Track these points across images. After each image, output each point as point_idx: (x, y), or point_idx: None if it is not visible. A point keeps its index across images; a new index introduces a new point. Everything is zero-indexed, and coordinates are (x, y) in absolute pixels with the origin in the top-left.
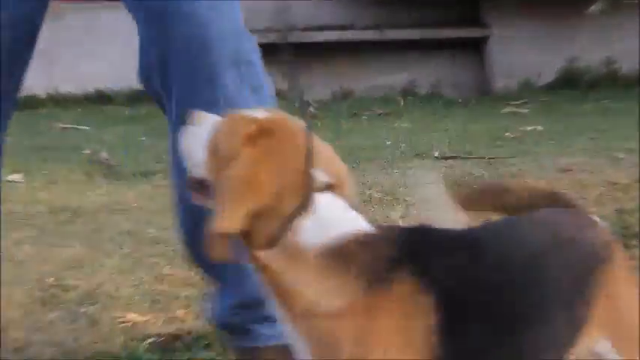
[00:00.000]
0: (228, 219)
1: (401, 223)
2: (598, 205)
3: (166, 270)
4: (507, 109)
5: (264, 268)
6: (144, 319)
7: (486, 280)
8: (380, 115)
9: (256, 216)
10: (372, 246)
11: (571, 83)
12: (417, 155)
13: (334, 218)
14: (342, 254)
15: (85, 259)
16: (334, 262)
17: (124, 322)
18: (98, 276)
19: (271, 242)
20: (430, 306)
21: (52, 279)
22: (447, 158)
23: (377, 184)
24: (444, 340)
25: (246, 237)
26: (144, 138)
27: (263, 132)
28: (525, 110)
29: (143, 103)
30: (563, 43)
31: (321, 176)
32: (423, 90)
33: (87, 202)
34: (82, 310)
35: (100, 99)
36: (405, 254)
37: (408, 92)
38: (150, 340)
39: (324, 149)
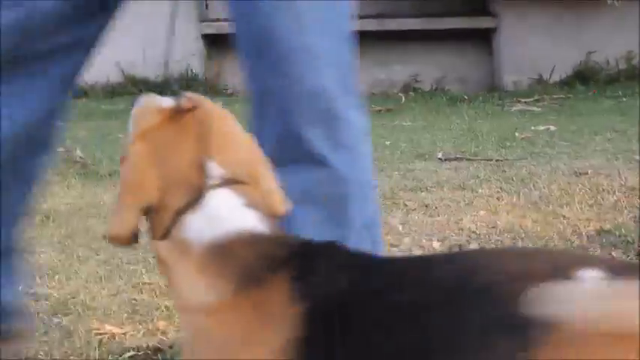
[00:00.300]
0: (118, 223)
1: (401, 229)
2: (615, 211)
3: (146, 278)
4: (518, 107)
5: (158, 259)
6: (122, 331)
7: (370, 300)
8: (379, 112)
9: (148, 211)
10: (255, 246)
11: (587, 79)
12: (419, 156)
13: (222, 215)
14: (224, 252)
15: (57, 265)
16: (214, 259)
17: (100, 334)
18: (72, 284)
19: (163, 236)
20: (298, 315)
21: (21, 287)
22: (451, 160)
23: (375, 188)
24: (307, 353)
25: (147, 228)
26: (121, 135)
27: (159, 125)
28: (537, 108)
29: (120, 97)
30: (580, 35)
31: (217, 171)
32: (426, 85)
33: (59, 204)
34: (55, 320)
35: (75, 92)
36: (292, 257)
37: (409, 88)
38: (129, 354)
39: (237, 140)
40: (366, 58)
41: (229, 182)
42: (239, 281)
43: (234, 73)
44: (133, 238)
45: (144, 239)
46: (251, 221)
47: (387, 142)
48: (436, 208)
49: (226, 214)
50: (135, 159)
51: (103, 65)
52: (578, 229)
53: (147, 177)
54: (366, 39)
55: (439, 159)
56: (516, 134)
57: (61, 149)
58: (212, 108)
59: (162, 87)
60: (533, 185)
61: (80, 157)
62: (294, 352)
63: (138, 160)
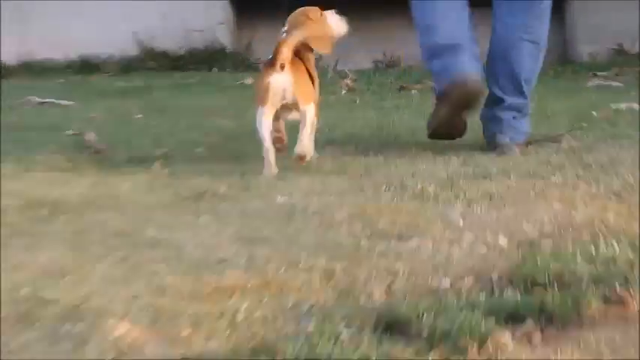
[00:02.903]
0: None
1: (461, 223)
2: None
3: (168, 280)
4: (594, 82)
5: None
6: (142, 339)
7: None
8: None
9: None
10: None
11: None
12: (482, 139)
13: None
14: None
15: (67, 265)
16: None
17: (117, 344)
18: (84, 287)
19: None
20: None
21: (28, 290)
22: (519, 143)
23: (432, 176)
24: None
25: None
26: (140, 115)
27: None
28: (618, 83)
29: (138, 73)
30: None
31: None
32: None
33: (70, 195)
34: (65, 328)
35: (86, 68)
36: None
37: None
38: None
39: None
40: None
41: None
42: None
43: (267, 45)
44: None
45: (168, 235)
46: None
47: None
48: (502, 198)
49: None
50: None
51: (117, 36)
52: None
53: None
54: None
55: (505, 142)
56: (594, 113)
57: (70, 132)
58: None
59: (185, 61)
60: (615, 173)
61: (93, 142)
62: None
63: None
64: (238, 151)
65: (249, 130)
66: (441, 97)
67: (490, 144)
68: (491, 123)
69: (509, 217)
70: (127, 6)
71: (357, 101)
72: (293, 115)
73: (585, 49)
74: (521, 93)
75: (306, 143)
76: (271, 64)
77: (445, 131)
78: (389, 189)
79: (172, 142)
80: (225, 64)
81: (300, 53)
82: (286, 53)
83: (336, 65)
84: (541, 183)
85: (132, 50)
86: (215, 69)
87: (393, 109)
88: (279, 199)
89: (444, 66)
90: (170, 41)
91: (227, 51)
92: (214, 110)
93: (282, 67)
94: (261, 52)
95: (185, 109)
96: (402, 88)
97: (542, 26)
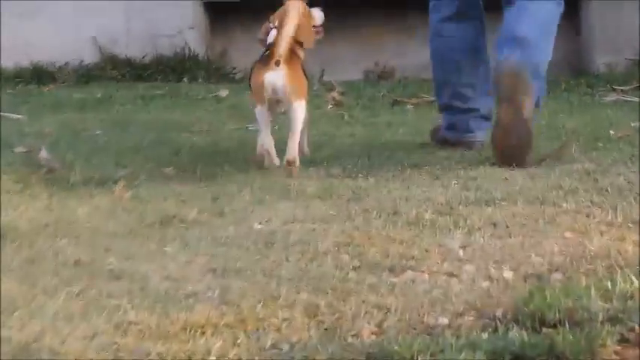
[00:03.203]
0: None
1: (462, 254)
2: None
3: (132, 315)
4: (612, 97)
5: None
6: None
7: None
8: (432, 103)
9: None
10: None
11: None
12: (484, 160)
13: None
14: None
15: (17, 299)
16: None
17: None
18: (37, 323)
19: None
20: None
21: None
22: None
23: (428, 202)
24: None
25: None
26: (99, 131)
27: None
28: (638, 99)
29: (97, 83)
30: None
31: None
32: None
33: (20, 220)
34: None
35: (39, 77)
36: None
37: None
38: None
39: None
40: (413, 34)
41: None
42: None
43: (243, 52)
44: None
45: (131, 265)
46: None
47: None
48: (507, 227)
49: None
50: None
51: (74, 41)
52: None
53: None
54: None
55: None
56: (611, 132)
57: (21, 149)
58: None
59: (151, 70)
60: (634, 198)
61: (47, 160)
62: None
63: None
64: (211, 171)
65: (222, 148)
66: (450, 142)
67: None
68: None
69: (515, 247)
70: (84, 7)
71: (345, 117)
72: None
73: (602, 59)
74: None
75: (294, 149)
76: (267, 59)
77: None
78: (380, 215)
79: (136, 161)
80: (196, 74)
81: (292, 47)
82: (284, 48)
83: (321, 76)
84: (551, 210)
85: (91, 57)
86: (185, 79)
87: (385, 126)
88: (257, 225)
89: (454, 122)
90: (134, 47)
91: (199, 59)
92: (184, 125)
93: (278, 63)
94: (237, 60)
95: (151, 124)
96: (395, 103)
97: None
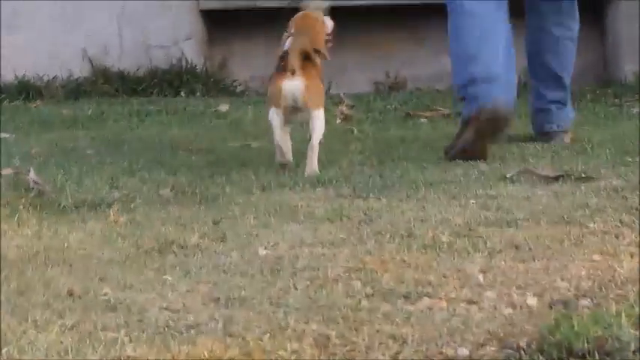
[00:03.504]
0: None
1: (482, 279)
2: None
3: (129, 349)
4: None
5: None
6: None
7: None
8: (447, 116)
9: None
10: None
11: None
12: (504, 177)
13: None
14: None
15: (6, 333)
16: None
17: None
18: (27, 359)
19: None
20: None
21: None
22: (550, 181)
23: (445, 223)
24: None
25: None
26: (91, 151)
27: None
28: None
29: (89, 99)
30: None
31: None
32: None
33: (8, 247)
34: None
35: (26, 93)
36: None
37: None
38: None
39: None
40: (426, 43)
41: None
42: None
43: (244, 63)
44: None
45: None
46: None
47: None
48: (530, 249)
49: None
50: None
51: (63, 54)
52: None
53: None
54: (427, 16)
55: (532, 181)
56: None
57: (8, 171)
58: None
59: (145, 84)
60: None
61: (35, 182)
62: None
63: None
64: (211, 193)
65: (224, 168)
66: (469, 120)
67: (539, 134)
68: (539, 115)
69: (539, 271)
70: (74, 16)
71: (355, 132)
72: (302, 117)
73: (630, 67)
74: (561, 86)
75: (315, 164)
76: (282, 69)
77: (467, 156)
78: (394, 238)
79: (131, 182)
80: (194, 87)
81: (309, 56)
82: (297, 60)
83: (329, 88)
84: (577, 230)
85: (81, 70)
86: (182, 93)
87: (398, 142)
88: (262, 251)
89: (477, 93)
90: (127, 59)
91: (197, 71)
92: (182, 143)
93: (293, 72)
94: (238, 72)
95: (146, 142)
96: (408, 116)
97: (575, 22)
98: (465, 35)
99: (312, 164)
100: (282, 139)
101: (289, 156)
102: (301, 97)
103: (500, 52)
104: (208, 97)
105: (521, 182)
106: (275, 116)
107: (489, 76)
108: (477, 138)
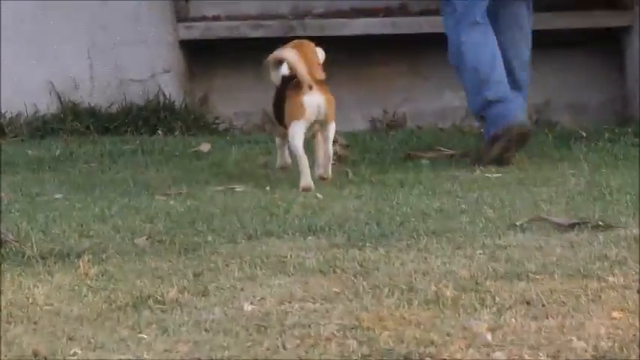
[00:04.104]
0: None
1: (490, 339)
2: None
3: None
4: None
5: None
6: None
7: None
8: (451, 157)
9: None
10: None
11: None
12: (514, 225)
13: None
14: None
15: None
16: None
17: None
18: None
19: None
20: None
21: None
22: (564, 230)
23: (449, 276)
24: None
25: None
26: (59, 196)
27: None
28: None
29: (56, 137)
30: None
31: None
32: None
33: None
34: None
35: None
36: None
37: None
38: None
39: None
40: (427, 75)
41: None
42: None
43: (228, 99)
44: None
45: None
46: None
47: (464, 205)
48: (543, 305)
49: None
50: None
51: (29, 87)
52: None
53: None
54: (428, 46)
55: (545, 229)
56: None
57: None
58: None
59: (119, 121)
60: None
61: None
62: None
63: None
64: (192, 242)
65: (205, 214)
66: (498, 135)
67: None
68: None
69: (554, 330)
70: (39, 47)
71: (350, 174)
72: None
73: None
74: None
75: (328, 165)
76: (300, 85)
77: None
78: (392, 293)
79: (104, 230)
80: (173, 125)
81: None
82: (318, 71)
83: None
84: (595, 284)
85: (48, 106)
86: (159, 131)
87: (397, 186)
88: (248, 306)
89: (499, 113)
90: (99, 94)
91: (175, 107)
92: (159, 187)
93: (311, 87)
94: (220, 108)
95: (120, 185)
96: (408, 157)
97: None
98: (475, 62)
99: (329, 170)
100: (304, 157)
101: (311, 181)
102: (325, 110)
103: (504, 72)
104: (188, 136)
105: (533, 231)
106: (297, 130)
107: (505, 97)
108: (506, 149)
